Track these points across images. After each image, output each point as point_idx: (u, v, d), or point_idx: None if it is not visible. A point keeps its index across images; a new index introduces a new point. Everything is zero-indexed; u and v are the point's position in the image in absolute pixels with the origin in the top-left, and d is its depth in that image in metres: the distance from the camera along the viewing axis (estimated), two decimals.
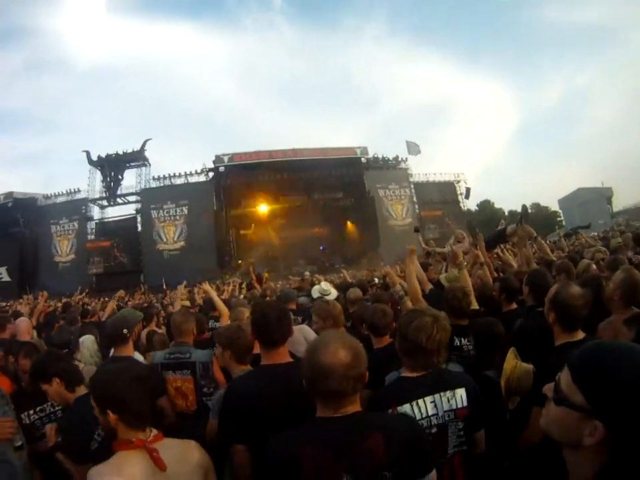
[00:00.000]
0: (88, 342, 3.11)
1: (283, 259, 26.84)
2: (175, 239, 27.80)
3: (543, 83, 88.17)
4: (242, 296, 6.04)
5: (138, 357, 2.74)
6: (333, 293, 4.73)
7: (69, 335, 3.11)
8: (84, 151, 29.11)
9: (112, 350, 2.56)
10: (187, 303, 5.80)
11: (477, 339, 2.21)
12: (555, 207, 46.14)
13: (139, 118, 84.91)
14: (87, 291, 20.17)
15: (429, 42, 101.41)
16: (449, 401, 1.48)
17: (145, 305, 8.18)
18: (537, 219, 41.33)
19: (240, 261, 22.87)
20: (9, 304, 18.41)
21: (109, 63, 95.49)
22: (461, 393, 1.50)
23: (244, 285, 8.54)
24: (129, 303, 8.95)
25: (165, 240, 27.91)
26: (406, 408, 1.45)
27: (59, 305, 11.22)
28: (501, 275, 4.18)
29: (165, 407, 2.33)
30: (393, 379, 1.73)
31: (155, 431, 1.30)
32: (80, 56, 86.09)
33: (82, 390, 1.89)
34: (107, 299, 17.65)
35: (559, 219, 45.51)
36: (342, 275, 10.36)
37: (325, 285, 4.87)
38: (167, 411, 2.34)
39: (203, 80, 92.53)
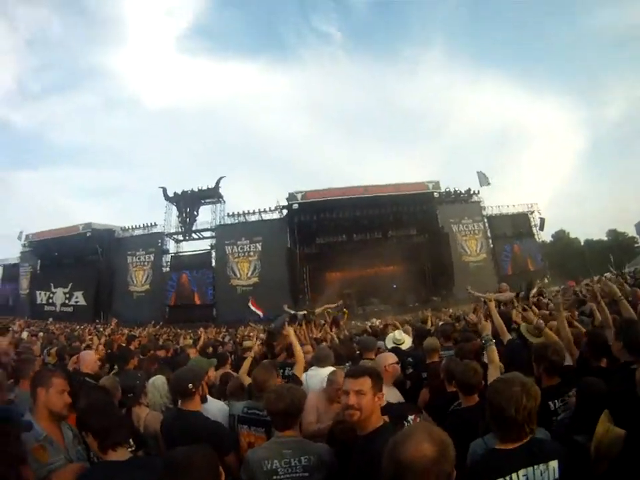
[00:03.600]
0: (158, 382, 3.01)
1: (356, 296, 26.87)
2: (249, 274, 28.57)
3: (607, 98, 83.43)
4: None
5: (211, 402, 2.69)
6: (407, 342, 4.61)
7: (134, 379, 2.99)
8: (160, 187, 30.77)
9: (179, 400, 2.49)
10: (249, 344, 5.41)
11: (581, 398, 2.02)
12: (632, 231, 43.28)
13: (213, 156, 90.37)
14: (160, 323, 21.17)
15: (488, 66, 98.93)
16: (541, 474, 1.45)
17: (218, 343, 8.15)
18: (614, 247, 39.04)
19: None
20: (82, 327, 19.72)
21: (181, 102, 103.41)
22: (554, 465, 1.46)
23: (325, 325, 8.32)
24: (201, 337, 8.81)
25: (238, 275, 28.75)
26: None
27: (132, 333, 11.55)
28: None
29: (231, 464, 2.21)
30: (479, 452, 1.71)
31: None
32: (154, 97, 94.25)
33: (119, 454, 1.69)
34: (179, 330, 18.40)
35: (636, 245, 42.71)
36: (425, 315, 9.91)
37: (398, 334, 4.72)
38: (233, 470, 2.19)
39: (272, 117, 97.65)
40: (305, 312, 7.59)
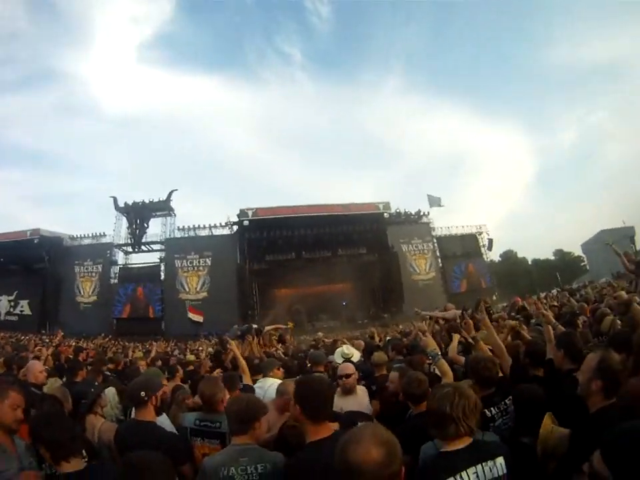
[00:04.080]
0: (110, 394, 3.04)
1: (306, 313, 27.10)
2: (198, 289, 28.28)
3: (556, 126, 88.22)
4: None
5: (164, 418, 2.74)
6: (356, 356, 4.76)
7: (89, 387, 3.01)
8: (111, 197, 30.11)
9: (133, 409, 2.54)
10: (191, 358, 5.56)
11: (517, 404, 2.17)
12: (578, 251, 45.68)
13: (166, 168, 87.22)
14: (109, 336, 20.74)
15: (444, 93, 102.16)
16: (490, 470, 1.54)
17: (167, 356, 8.28)
18: (560, 266, 41.08)
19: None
20: (27, 337, 19.07)
21: (137, 112, 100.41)
22: (500, 461, 1.56)
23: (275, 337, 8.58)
24: (152, 350, 8.92)
25: (187, 290, 28.40)
26: None
27: (80, 345, 11.54)
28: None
29: (186, 474, 2.25)
30: (429, 453, 1.80)
31: None
32: (109, 104, 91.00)
33: (74, 465, 1.71)
34: (127, 343, 18.13)
35: (582, 264, 45.03)
36: (372, 331, 10.24)
37: (346, 349, 4.86)
38: (188, 477, 2.24)
39: (227, 132, 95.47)
40: (256, 326, 7.84)
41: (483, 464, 1.53)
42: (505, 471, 1.56)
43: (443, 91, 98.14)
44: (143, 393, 2.38)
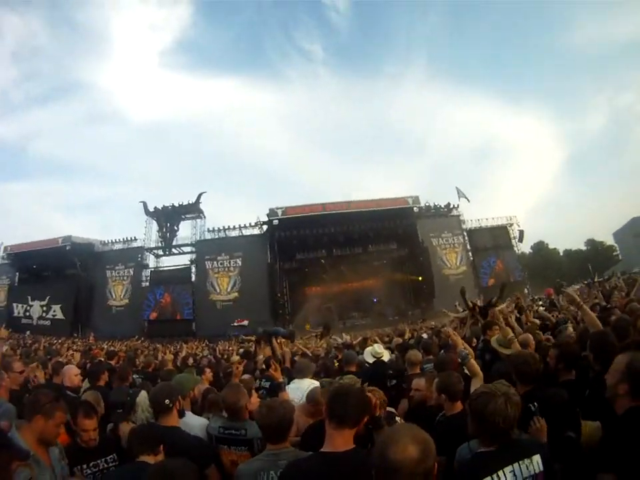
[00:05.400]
0: (141, 397, 3.03)
1: (337, 311, 27.00)
2: (229, 290, 28.48)
3: (585, 110, 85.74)
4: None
5: (190, 416, 2.73)
6: (386, 355, 4.73)
7: (125, 396, 3.02)
8: (141, 202, 30.64)
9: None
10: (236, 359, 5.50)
11: (543, 411, 2.17)
12: (610, 240, 44.37)
13: (194, 171, 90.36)
14: (141, 338, 21.03)
15: (469, 82, 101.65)
16: (527, 468, 1.56)
17: (199, 357, 8.38)
18: (591, 257, 39.91)
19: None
20: (60, 341, 19.45)
21: (162, 117, 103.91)
22: (537, 459, 1.58)
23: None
24: (180, 353, 8.88)
25: (218, 291, 28.64)
26: None
27: (112, 347, 11.63)
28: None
29: (210, 476, 2.24)
30: (464, 454, 1.80)
31: None
32: (135, 111, 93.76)
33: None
34: (158, 345, 18.33)
35: (615, 253, 43.70)
36: (403, 328, 10.05)
37: (378, 348, 4.82)
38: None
39: (253, 133, 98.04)
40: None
41: (520, 462, 1.56)
42: (541, 469, 1.58)
43: (467, 80, 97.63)
44: (167, 401, 2.36)
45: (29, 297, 32.53)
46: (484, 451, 1.63)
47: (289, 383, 3.50)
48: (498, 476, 1.53)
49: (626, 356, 1.84)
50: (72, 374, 3.80)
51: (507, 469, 1.54)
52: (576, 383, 2.62)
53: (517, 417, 1.64)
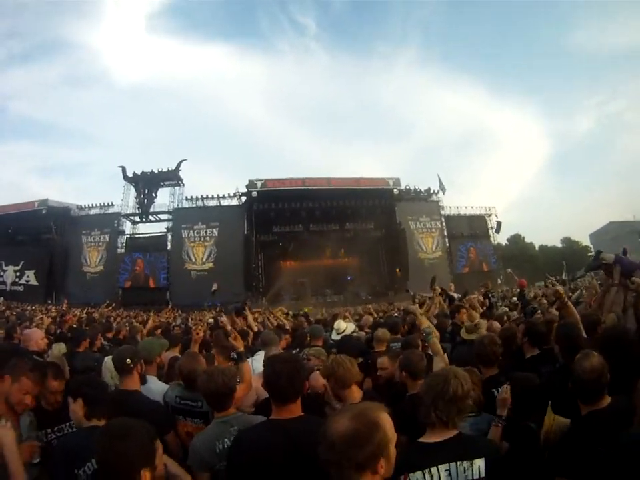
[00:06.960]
0: (109, 363, 3.05)
1: (310, 286, 27.11)
2: (204, 259, 28.34)
3: (575, 111, 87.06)
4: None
5: (152, 382, 2.73)
6: (350, 328, 4.85)
7: (92, 361, 3.08)
8: (120, 167, 30.05)
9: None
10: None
11: (514, 393, 2.19)
12: (586, 241, 45.38)
13: (175, 138, 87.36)
14: (112, 304, 20.88)
15: (461, 69, 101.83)
16: (464, 472, 1.43)
17: (173, 325, 8.40)
18: (567, 254, 40.81)
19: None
20: (33, 307, 19.18)
21: (147, 81, 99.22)
22: (479, 463, 1.45)
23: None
24: (149, 321, 8.82)
25: (193, 260, 28.48)
26: (418, 476, 1.43)
27: (83, 315, 11.50)
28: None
29: (171, 443, 2.25)
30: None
31: None
32: (120, 73, 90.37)
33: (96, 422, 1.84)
34: (131, 313, 18.23)
35: (589, 254, 44.69)
36: (368, 308, 10.62)
37: (337, 324, 4.93)
38: (172, 449, 2.22)
39: (238, 103, 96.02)
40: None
41: (459, 463, 1.44)
42: (482, 475, 1.44)
43: (459, 67, 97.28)
44: (128, 361, 2.37)
45: (3, 262, 31.84)
46: (425, 442, 1.54)
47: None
48: (431, 473, 1.42)
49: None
50: (37, 337, 3.74)
51: (443, 467, 1.43)
52: (539, 357, 2.77)
53: (452, 399, 1.53)
